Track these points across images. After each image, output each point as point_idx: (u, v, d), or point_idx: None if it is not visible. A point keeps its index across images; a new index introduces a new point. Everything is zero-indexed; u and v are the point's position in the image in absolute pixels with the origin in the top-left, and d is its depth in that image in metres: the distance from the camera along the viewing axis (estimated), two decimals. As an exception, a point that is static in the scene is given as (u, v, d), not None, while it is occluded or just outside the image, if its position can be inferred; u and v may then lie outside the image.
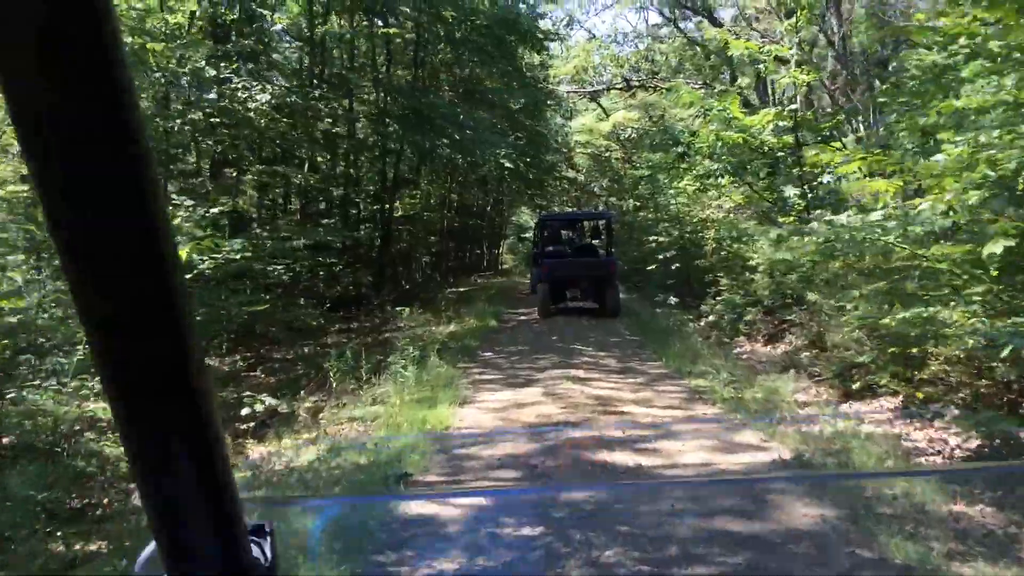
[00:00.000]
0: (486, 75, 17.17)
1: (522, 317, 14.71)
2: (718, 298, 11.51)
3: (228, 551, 0.56)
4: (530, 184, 32.43)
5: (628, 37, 29.99)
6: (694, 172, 12.18)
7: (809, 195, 11.54)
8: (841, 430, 5.28)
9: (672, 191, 13.69)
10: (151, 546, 0.58)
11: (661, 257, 13.70)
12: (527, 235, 35.86)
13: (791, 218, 11.92)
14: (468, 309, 15.41)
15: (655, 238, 14.44)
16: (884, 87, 12.77)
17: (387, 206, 19.61)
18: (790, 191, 11.31)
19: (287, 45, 17.03)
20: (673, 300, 12.75)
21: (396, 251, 21.67)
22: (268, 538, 0.64)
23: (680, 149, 11.57)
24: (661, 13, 28.96)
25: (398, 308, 13.14)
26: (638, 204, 22.16)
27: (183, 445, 0.51)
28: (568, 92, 27.41)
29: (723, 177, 11.49)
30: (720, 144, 11.39)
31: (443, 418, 6.06)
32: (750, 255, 10.97)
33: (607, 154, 32.83)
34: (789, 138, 11.90)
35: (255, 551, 0.61)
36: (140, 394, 0.49)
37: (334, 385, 7.18)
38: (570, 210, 33.29)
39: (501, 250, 40.21)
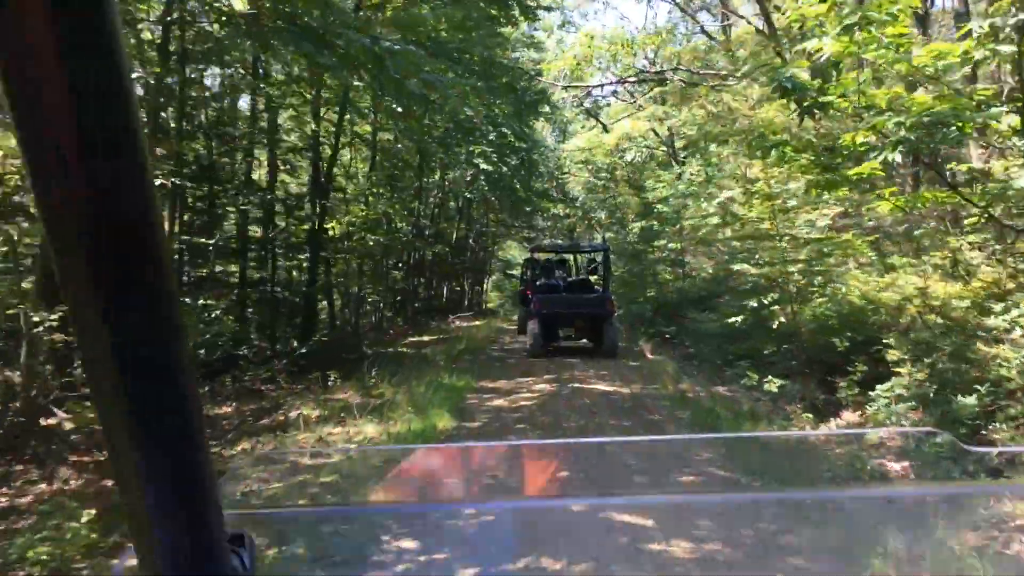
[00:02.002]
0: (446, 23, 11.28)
1: (499, 401, 8.87)
2: (882, 385, 5.82)
3: (207, 559, 0.54)
4: (517, 207, 27.34)
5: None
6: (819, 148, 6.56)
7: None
8: None
9: (776, 187, 7.96)
10: (130, 553, 0.57)
11: (754, 304, 7.79)
12: (514, 271, 30.53)
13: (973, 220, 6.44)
14: (419, 378, 9.64)
15: (740, 267, 8.53)
16: None
17: (316, 224, 13.83)
18: (1027, 178, 5.71)
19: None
20: (776, 383, 6.94)
21: (334, 286, 15.76)
22: (247, 547, 0.62)
23: (808, 102, 6.02)
24: (675, 3, 23.78)
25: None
26: (659, 229, 16.51)
27: (168, 453, 0.49)
28: (565, 88, 21.95)
29: (895, 151, 5.87)
30: (888, 88, 5.83)
31: None
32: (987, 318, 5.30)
33: (609, 175, 27.64)
34: (992, 88, 6.44)
35: (234, 560, 0.59)
36: (129, 401, 0.47)
37: None
38: (562, 241, 29.04)
39: (485, 287, 35.42)
